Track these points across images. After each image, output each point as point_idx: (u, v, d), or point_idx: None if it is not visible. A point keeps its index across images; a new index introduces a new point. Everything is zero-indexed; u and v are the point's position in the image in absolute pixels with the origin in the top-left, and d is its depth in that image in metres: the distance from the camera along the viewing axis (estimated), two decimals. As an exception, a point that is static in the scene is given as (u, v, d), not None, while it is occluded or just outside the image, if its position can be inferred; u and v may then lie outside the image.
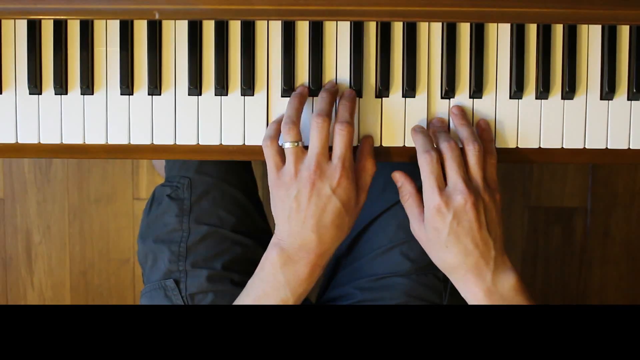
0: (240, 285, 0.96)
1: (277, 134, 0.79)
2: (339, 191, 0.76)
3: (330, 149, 0.78)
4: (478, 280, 0.77)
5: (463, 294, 0.79)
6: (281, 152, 0.78)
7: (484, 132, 0.82)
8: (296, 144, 0.76)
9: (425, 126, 0.82)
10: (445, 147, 0.78)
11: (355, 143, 0.82)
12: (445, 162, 0.78)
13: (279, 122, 0.79)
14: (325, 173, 0.76)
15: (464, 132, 0.80)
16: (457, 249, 0.77)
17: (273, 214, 0.79)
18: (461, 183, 0.76)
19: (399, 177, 0.82)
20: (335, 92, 0.81)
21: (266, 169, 0.80)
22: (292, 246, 0.78)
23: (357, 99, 0.82)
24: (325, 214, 0.76)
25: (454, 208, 0.76)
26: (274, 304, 0.78)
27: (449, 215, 0.76)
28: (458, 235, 0.76)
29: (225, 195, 1.00)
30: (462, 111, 0.82)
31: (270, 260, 0.79)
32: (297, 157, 0.76)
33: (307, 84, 0.82)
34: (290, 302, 0.79)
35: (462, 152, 0.78)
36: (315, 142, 0.76)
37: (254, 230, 1.02)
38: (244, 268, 0.98)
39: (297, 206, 0.76)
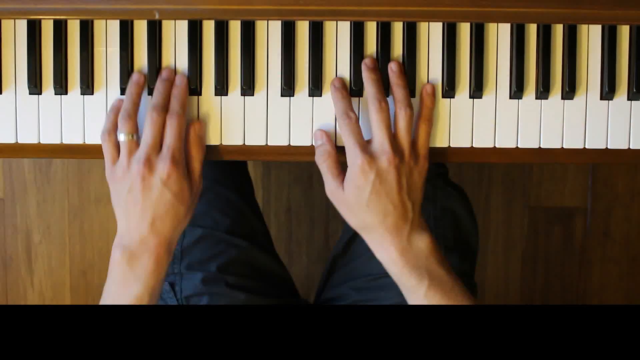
0: (235, 287, 0.96)
1: (115, 126, 0.78)
2: (170, 183, 0.76)
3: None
4: (394, 238, 0.77)
5: (377, 254, 0.79)
6: (118, 145, 0.77)
7: (427, 97, 0.81)
8: (130, 136, 0.76)
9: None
10: (375, 107, 0.78)
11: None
12: (372, 122, 0.77)
13: (116, 113, 0.78)
14: (155, 166, 0.76)
15: (398, 94, 0.79)
16: (377, 209, 0.77)
17: (114, 210, 0.79)
18: (387, 144, 0.76)
19: (320, 135, 0.81)
20: (172, 80, 0.80)
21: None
22: (132, 242, 0.77)
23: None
24: (159, 206, 0.76)
25: (377, 167, 0.76)
26: (129, 303, 0.77)
27: (372, 174, 0.76)
28: (379, 195, 0.76)
29: (220, 197, 1.00)
30: (400, 68, 0.81)
31: (115, 261, 0.78)
32: (130, 150, 0.76)
33: (308, 84, 0.82)
34: (145, 297, 0.77)
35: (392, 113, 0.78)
36: (147, 136, 0.76)
37: (249, 232, 1.02)
38: (239, 270, 0.98)
39: (132, 200, 0.76)
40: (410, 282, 0.78)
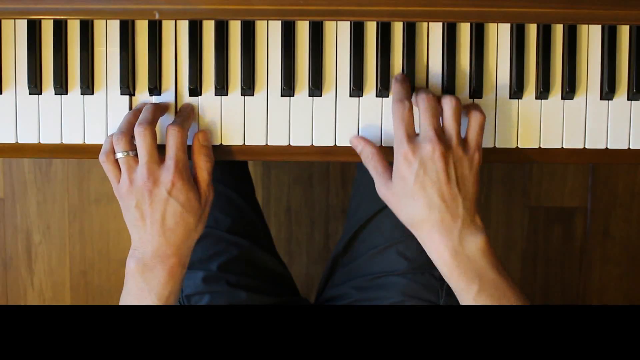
0: (236, 286, 0.96)
1: (112, 147, 0.78)
2: (175, 193, 0.76)
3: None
4: (444, 237, 0.75)
5: (429, 254, 0.77)
6: (118, 163, 0.78)
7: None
8: (126, 153, 0.76)
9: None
10: (422, 97, 0.77)
11: (354, 143, 0.82)
12: (420, 112, 0.76)
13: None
14: (159, 178, 0.76)
15: (444, 96, 0.78)
16: (423, 200, 0.74)
17: (127, 225, 0.79)
18: (432, 131, 0.74)
19: (357, 142, 0.80)
20: (162, 107, 0.80)
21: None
22: (145, 254, 0.77)
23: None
24: (167, 218, 0.76)
25: (421, 156, 0.74)
26: None
27: (416, 162, 0.74)
28: (424, 185, 0.74)
29: (221, 196, 1.00)
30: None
31: (130, 272, 0.78)
32: (129, 167, 0.76)
33: (308, 84, 0.82)
34: None
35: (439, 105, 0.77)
36: (142, 151, 0.76)
37: (250, 231, 1.02)
38: (240, 269, 0.98)
39: (140, 214, 0.76)
40: (459, 285, 0.75)
